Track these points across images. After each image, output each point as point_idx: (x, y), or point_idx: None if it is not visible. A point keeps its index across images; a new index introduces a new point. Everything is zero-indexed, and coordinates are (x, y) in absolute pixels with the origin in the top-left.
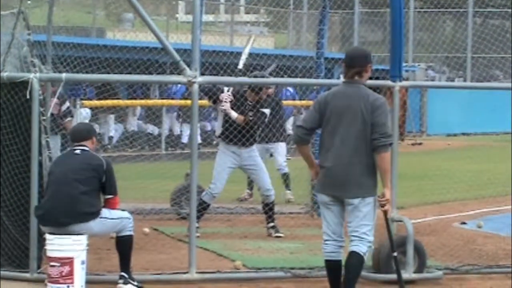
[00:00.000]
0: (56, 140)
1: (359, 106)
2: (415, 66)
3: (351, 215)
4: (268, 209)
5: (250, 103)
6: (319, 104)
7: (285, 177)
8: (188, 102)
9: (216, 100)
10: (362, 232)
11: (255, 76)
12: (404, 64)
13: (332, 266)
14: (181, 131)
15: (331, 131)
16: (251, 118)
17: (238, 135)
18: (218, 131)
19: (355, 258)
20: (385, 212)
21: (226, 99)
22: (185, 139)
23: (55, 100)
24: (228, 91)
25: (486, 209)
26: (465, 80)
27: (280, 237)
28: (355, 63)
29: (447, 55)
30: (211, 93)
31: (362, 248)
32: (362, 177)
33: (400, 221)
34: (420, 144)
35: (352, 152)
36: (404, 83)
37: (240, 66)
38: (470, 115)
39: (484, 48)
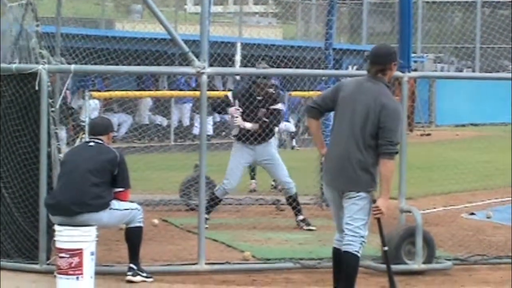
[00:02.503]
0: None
1: (369, 103)
2: (423, 57)
3: (346, 207)
4: (292, 201)
5: (259, 98)
6: (336, 87)
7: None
8: (194, 93)
9: (222, 109)
10: (356, 226)
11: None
12: (412, 55)
13: (335, 253)
14: (191, 123)
15: (338, 120)
16: (265, 119)
17: (254, 134)
18: (235, 132)
19: (349, 259)
20: (378, 219)
21: (235, 114)
22: (196, 131)
23: (67, 91)
24: (234, 103)
25: (495, 200)
26: (473, 71)
27: (312, 230)
28: (379, 60)
29: (456, 45)
30: (219, 107)
31: (354, 246)
32: (358, 171)
33: (409, 211)
34: (428, 134)
35: (351, 145)
36: (413, 73)
37: None
38: (479, 105)
39: (493, 38)
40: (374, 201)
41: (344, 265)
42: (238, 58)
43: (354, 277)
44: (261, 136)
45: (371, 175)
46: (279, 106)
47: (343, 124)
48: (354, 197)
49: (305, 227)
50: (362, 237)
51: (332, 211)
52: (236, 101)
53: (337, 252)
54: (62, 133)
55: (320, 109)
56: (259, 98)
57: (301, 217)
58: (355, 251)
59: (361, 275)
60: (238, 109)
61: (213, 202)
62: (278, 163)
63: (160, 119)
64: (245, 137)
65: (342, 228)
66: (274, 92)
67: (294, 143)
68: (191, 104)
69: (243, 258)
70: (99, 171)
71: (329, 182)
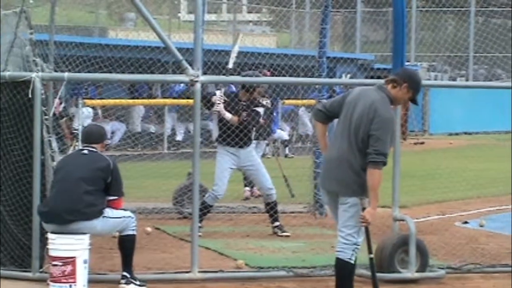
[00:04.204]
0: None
1: (365, 108)
2: (417, 66)
3: (339, 213)
4: (270, 208)
5: (244, 103)
6: (345, 94)
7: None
8: (187, 101)
9: (210, 105)
10: (348, 233)
11: (247, 76)
12: (406, 64)
13: (336, 264)
14: (173, 129)
15: (339, 124)
16: (245, 118)
17: (234, 136)
18: (215, 134)
19: (341, 266)
20: (366, 228)
21: (219, 100)
22: (179, 137)
23: (57, 100)
24: (220, 92)
25: (489, 208)
26: (467, 79)
27: (287, 236)
28: (396, 72)
29: (449, 54)
30: (205, 99)
31: (346, 253)
32: (348, 176)
33: (403, 220)
34: (422, 143)
35: (344, 148)
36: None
37: (230, 65)
38: (472, 114)
39: (486, 47)
40: (363, 209)
41: (337, 272)
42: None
43: (348, 284)
44: (239, 137)
45: (360, 179)
46: (260, 109)
47: (341, 129)
48: (345, 203)
49: (279, 233)
50: (355, 244)
51: (332, 215)
52: (221, 94)
53: (336, 260)
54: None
55: (327, 113)
56: (243, 102)
57: (276, 224)
58: (348, 258)
59: (355, 283)
60: (221, 96)
61: (205, 209)
62: (261, 169)
63: (153, 128)
64: (225, 141)
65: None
66: (261, 98)
67: (287, 151)
68: None
69: (236, 266)
70: (92, 179)
71: (321, 183)
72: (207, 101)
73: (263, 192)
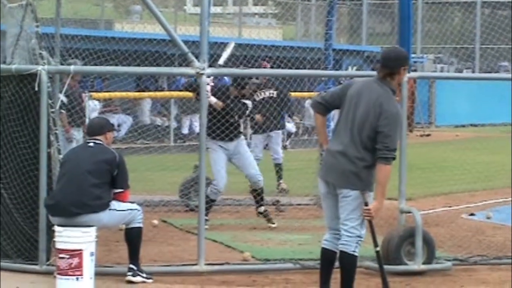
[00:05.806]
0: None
1: (370, 105)
2: (423, 57)
3: (341, 206)
4: (257, 194)
5: (234, 98)
6: (346, 85)
7: (278, 168)
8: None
9: (198, 93)
10: (351, 226)
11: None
12: (412, 55)
13: (323, 253)
14: (178, 122)
15: (342, 118)
16: (230, 106)
17: (221, 128)
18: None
19: (346, 259)
20: (370, 222)
21: (207, 83)
22: (185, 130)
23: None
24: (210, 80)
25: (495, 200)
26: (473, 71)
27: (274, 227)
28: (387, 64)
29: (455, 46)
30: (191, 87)
31: (350, 246)
32: (353, 169)
33: (409, 212)
34: (428, 135)
35: (349, 143)
36: (413, 74)
37: (221, 62)
38: (479, 106)
39: (492, 38)
40: (366, 204)
41: (341, 264)
42: None
43: (352, 277)
44: (229, 129)
45: (363, 174)
46: (247, 102)
47: (344, 123)
48: (348, 196)
49: (267, 223)
50: (359, 236)
51: (323, 208)
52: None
53: (325, 253)
54: (80, 134)
55: (327, 105)
56: (233, 98)
57: (263, 208)
58: (352, 251)
59: (362, 275)
60: (211, 80)
61: (208, 204)
62: (248, 156)
63: (159, 120)
64: (214, 132)
65: (332, 227)
66: (251, 93)
67: (287, 143)
68: None
69: (243, 259)
70: (98, 171)
71: (323, 176)
72: (193, 90)
73: (250, 179)
